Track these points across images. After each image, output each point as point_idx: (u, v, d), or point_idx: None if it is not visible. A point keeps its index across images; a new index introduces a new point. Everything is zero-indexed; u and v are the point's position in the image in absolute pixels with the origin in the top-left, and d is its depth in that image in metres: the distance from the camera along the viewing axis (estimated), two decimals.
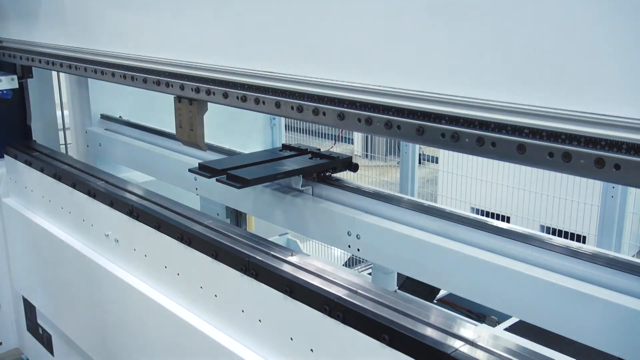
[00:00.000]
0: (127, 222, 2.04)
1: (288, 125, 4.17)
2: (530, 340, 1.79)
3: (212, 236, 1.74)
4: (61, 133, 3.28)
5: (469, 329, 1.27)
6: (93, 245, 2.30)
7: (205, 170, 2.06)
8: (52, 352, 2.88)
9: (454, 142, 1.19)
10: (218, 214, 2.67)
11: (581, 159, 1.02)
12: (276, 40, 1.52)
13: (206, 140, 1.98)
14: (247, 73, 1.59)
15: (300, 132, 4.89)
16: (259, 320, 1.62)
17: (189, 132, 1.94)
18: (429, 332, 1.26)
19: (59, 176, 2.45)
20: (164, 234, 1.88)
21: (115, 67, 2.07)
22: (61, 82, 3.36)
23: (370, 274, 2.73)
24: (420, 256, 1.51)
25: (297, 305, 1.49)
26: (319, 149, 2.13)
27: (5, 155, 2.91)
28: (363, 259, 3.68)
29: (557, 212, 3.83)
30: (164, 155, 2.63)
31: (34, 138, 3.04)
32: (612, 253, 1.35)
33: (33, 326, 3.02)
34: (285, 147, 2.32)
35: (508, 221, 3.65)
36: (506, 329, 2.35)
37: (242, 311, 1.67)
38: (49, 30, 2.43)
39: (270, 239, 1.78)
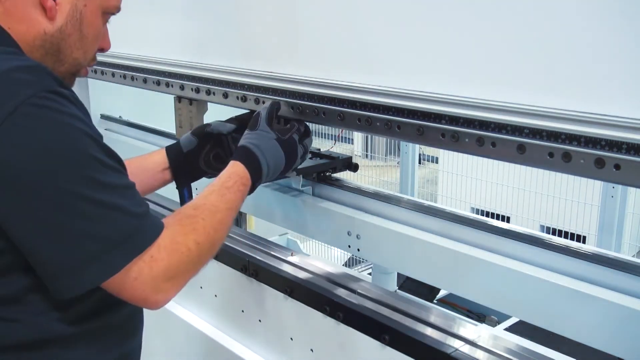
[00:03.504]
0: None
1: None
2: (530, 340, 1.79)
3: None
4: None
5: (469, 329, 1.27)
6: None
7: None
8: None
9: (454, 142, 1.19)
10: None
11: (581, 159, 1.02)
12: (276, 40, 1.52)
13: None
14: (247, 73, 1.59)
15: None
16: (259, 320, 1.62)
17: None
18: (429, 332, 1.26)
19: None
20: None
21: (115, 67, 2.07)
22: None
23: (370, 274, 2.73)
24: (420, 256, 1.51)
25: (297, 305, 1.49)
26: (319, 149, 2.13)
27: None
28: (363, 259, 3.68)
29: (557, 212, 3.83)
30: None
31: None
32: (612, 253, 1.35)
33: None
34: None
35: (508, 221, 3.65)
36: (506, 329, 2.35)
37: (242, 311, 1.67)
38: None
39: (270, 239, 1.78)
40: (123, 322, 1.13)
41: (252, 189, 1.31)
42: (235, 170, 1.27)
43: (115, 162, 0.99)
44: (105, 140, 1.01)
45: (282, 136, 1.38)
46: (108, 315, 1.07)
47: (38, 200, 0.89)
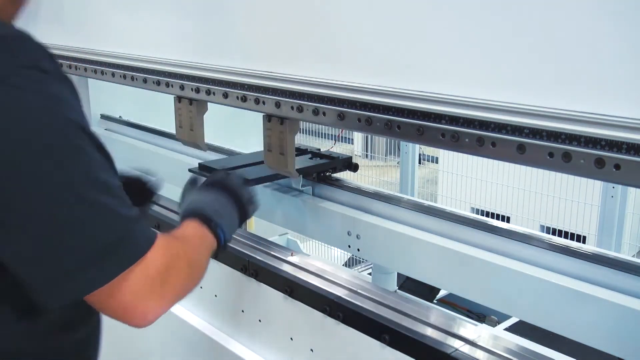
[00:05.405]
0: None
1: None
2: (530, 340, 1.79)
3: None
4: None
5: (469, 329, 1.27)
6: None
7: (205, 170, 2.06)
8: None
9: (454, 142, 1.19)
10: None
11: (581, 159, 1.02)
12: (276, 40, 1.52)
13: (206, 140, 1.98)
14: (247, 73, 1.59)
15: (300, 132, 4.88)
16: (259, 320, 1.62)
17: (189, 132, 1.94)
18: (429, 332, 1.26)
19: None
20: None
21: (115, 67, 2.07)
22: None
23: (370, 274, 2.73)
24: (420, 256, 1.51)
25: (297, 305, 1.49)
26: (319, 149, 2.13)
27: None
28: (363, 259, 3.68)
29: (557, 212, 3.83)
30: (164, 155, 2.62)
31: None
32: (612, 253, 1.35)
33: None
34: None
35: (508, 221, 3.64)
36: (506, 329, 2.35)
37: (242, 311, 1.67)
38: (48, 30, 2.43)
39: (270, 239, 1.78)
40: (81, 343, 1.07)
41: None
42: (205, 233, 1.20)
43: (102, 157, 0.90)
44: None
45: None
46: (68, 334, 1.00)
47: (16, 199, 0.79)
